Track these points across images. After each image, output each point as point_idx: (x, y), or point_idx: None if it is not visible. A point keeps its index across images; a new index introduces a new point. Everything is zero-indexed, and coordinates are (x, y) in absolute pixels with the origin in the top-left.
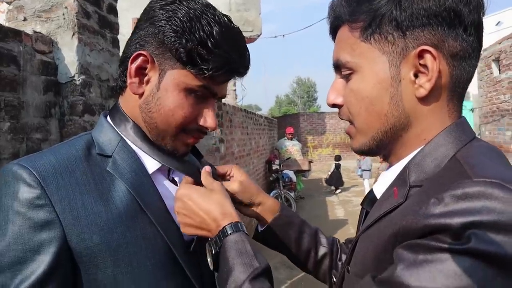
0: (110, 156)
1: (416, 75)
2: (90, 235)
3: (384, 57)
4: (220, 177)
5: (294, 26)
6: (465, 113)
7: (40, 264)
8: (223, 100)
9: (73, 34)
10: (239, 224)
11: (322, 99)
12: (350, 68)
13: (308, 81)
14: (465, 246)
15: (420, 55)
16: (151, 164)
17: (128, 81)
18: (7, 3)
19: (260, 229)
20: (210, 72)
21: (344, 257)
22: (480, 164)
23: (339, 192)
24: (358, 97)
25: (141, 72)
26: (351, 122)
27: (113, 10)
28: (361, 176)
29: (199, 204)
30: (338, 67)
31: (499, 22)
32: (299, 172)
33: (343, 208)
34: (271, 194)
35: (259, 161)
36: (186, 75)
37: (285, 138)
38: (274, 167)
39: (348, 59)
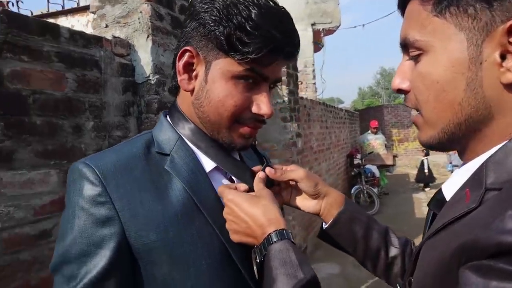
0: (168, 155)
1: (503, 56)
2: (147, 232)
3: (462, 34)
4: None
5: (374, 15)
6: None
7: (102, 258)
8: (302, 94)
9: (148, 36)
10: (284, 231)
11: None
12: (419, 47)
13: (393, 71)
14: None
15: (510, 31)
16: (209, 162)
17: (178, 78)
18: (92, 12)
19: (324, 226)
20: (253, 55)
21: None
22: None
23: (429, 190)
24: (427, 82)
25: (189, 68)
26: (418, 111)
27: (185, 11)
28: (451, 171)
29: (245, 210)
30: (405, 46)
31: None
32: (383, 167)
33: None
34: (353, 189)
35: (340, 156)
36: (231, 62)
37: (369, 131)
38: (356, 161)
39: (417, 37)
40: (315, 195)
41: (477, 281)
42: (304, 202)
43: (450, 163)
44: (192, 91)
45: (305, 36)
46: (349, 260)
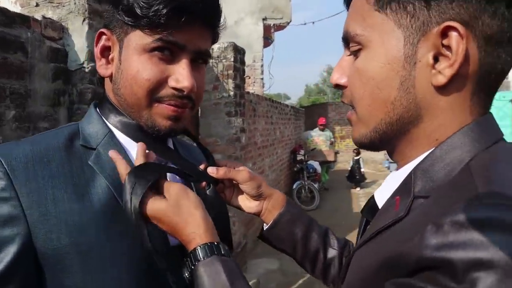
0: (94, 149)
1: (436, 58)
2: (58, 235)
3: (400, 32)
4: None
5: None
6: (503, 104)
7: None
8: (250, 89)
9: (84, 20)
10: (213, 245)
11: None
12: (359, 42)
13: None
14: None
15: (445, 33)
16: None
17: (97, 65)
18: None
19: (265, 227)
20: (155, 18)
21: None
22: (499, 179)
23: (359, 190)
24: (363, 78)
25: (106, 52)
26: (353, 107)
27: None
28: (388, 168)
29: (168, 219)
30: (346, 41)
31: None
32: (325, 163)
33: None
34: (295, 185)
35: (284, 152)
36: (139, 35)
37: (317, 128)
38: (299, 157)
39: (357, 31)
40: (257, 197)
41: None
42: (245, 203)
43: (387, 159)
44: (111, 76)
45: (256, 31)
46: (287, 256)
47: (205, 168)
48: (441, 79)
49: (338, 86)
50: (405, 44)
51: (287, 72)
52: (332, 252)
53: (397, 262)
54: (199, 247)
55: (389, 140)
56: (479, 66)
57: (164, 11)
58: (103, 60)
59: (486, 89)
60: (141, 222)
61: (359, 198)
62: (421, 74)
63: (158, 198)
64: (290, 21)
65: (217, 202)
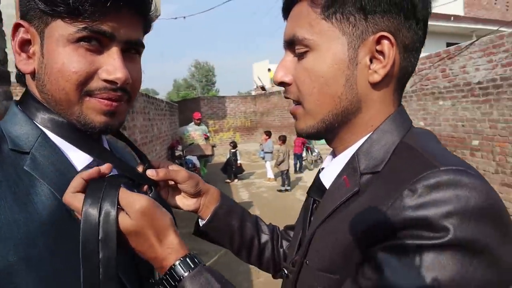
0: (28, 153)
1: (372, 60)
2: (5, 251)
3: (344, 38)
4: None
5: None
6: None
7: None
8: None
9: None
10: (194, 256)
11: (221, 83)
12: (307, 45)
13: (207, 65)
14: (445, 239)
15: (378, 40)
16: (80, 159)
17: (16, 60)
18: None
19: (201, 222)
20: (75, 4)
21: (285, 243)
22: (439, 153)
23: (237, 182)
24: (313, 76)
25: (26, 46)
26: (298, 102)
27: None
28: (263, 158)
29: (143, 232)
30: (291, 43)
31: None
32: (203, 157)
33: (247, 191)
34: None
35: (162, 148)
36: (60, 24)
37: (192, 123)
38: (177, 153)
39: (306, 36)
40: (195, 194)
41: (393, 260)
42: (183, 201)
43: (262, 150)
44: (33, 72)
45: None
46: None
47: (144, 171)
48: (377, 77)
49: (282, 84)
50: (348, 48)
51: (154, 67)
52: (264, 237)
53: (382, 227)
54: (179, 261)
55: (333, 129)
56: (399, 68)
57: None
58: (23, 55)
59: (401, 86)
60: (114, 239)
61: (238, 189)
62: (361, 73)
63: (125, 212)
64: (159, 14)
65: (163, 205)
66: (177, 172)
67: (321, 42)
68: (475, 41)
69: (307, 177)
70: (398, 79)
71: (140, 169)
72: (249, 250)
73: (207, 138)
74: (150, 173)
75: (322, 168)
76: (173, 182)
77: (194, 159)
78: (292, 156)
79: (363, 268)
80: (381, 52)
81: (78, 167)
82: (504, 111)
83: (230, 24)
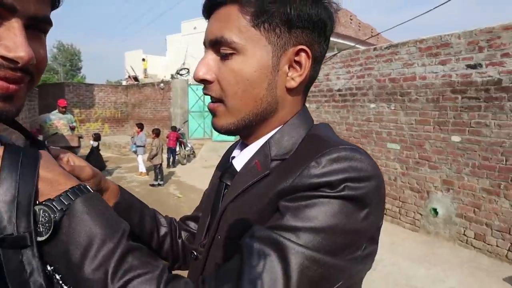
0: None
1: (288, 68)
2: None
3: (270, 47)
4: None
5: None
6: None
7: None
8: None
9: None
10: (82, 186)
11: (87, 69)
12: (234, 48)
13: (72, 47)
14: (340, 193)
15: (297, 52)
16: None
17: None
18: None
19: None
20: None
21: (183, 234)
22: (336, 138)
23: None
24: (238, 78)
25: None
26: (218, 100)
27: None
28: (135, 152)
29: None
30: (216, 44)
31: (195, 27)
32: (68, 149)
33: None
34: None
35: (19, 136)
36: None
37: (56, 111)
38: None
39: (234, 39)
40: (100, 188)
41: (293, 205)
42: None
43: (134, 143)
44: None
45: None
46: None
47: None
48: (293, 84)
49: (202, 81)
50: (273, 56)
51: None
52: (163, 230)
53: (293, 191)
54: (69, 190)
55: (251, 126)
56: (309, 76)
57: None
58: None
59: (307, 90)
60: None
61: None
62: (280, 79)
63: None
64: None
65: None
66: (82, 168)
67: (249, 47)
68: (337, 53)
69: (180, 172)
70: (306, 85)
71: None
72: (148, 244)
73: (73, 129)
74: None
75: (233, 157)
76: None
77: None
78: (165, 150)
79: (270, 218)
80: (298, 62)
81: None
82: (358, 116)
83: (100, 7)
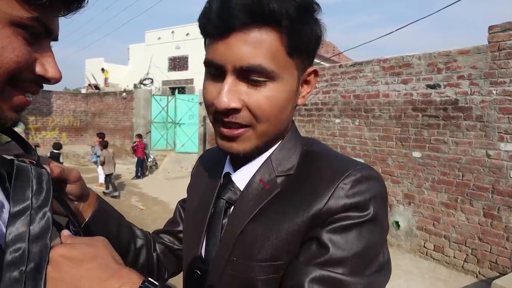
0: None
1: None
2: None
3: (296, 73)
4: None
5: None
6: (193, 105)
7: None
8: None
9: None
10: (149, 282)
11: None
12: (270, 76)
13: None
14: (369, 214)
15: (309, 73)
16: None
17: None
18: None
19: (73, 228)
20: (49, 4)
21: (158, 247)
22: (342, 156)
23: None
24: (273, 104)
25: None
26: (245, 126)
27: None
28: (95, 162)
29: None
30: (249, 71)
31: (159, 37)
32: None
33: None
34: None
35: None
36: (11, 3)
37: None
38: None
39: (273, 69)
40: (79, 197)
41: (337, 238)
42: (58, 204)
43: (95, 154)
44: None
45: None
46: None
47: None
48: (303, 101)
49: (231, 110)
50: (297, 81)
51: None
52: (140, 242)
53: (329, 212)
54: (146, 281)
55: (264, 146)
56: None
57: None
58: None
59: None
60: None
61: None
62: (296, 98)
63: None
64: None
65: (62, 204)
66: (70, 171)
67: (284, 75)
68: None
69: (142, 183)
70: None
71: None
72: (125, 255)
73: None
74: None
75: (228, 173)
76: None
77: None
78: (117, 160)
79: (310, 247)
80: (307, 81)
81: None
82: (323, 130)
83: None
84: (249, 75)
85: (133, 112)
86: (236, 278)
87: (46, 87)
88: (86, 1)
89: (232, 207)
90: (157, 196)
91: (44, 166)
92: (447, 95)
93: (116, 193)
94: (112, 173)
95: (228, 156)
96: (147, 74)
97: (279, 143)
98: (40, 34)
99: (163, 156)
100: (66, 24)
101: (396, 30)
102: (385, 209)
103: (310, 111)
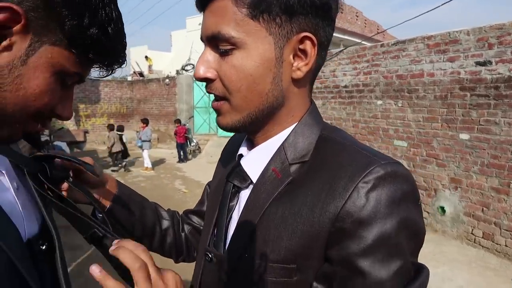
0: None
1: (293, 58)
2: None
3: (271, 38)
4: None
5: None
6: None
7: None
8: None
9: None
10: None
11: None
12: (234, 43)
13: None
14: (394, 224)
15: (302, 40)
16: None
17: None
18: None
19: (98, 214)
20: (100, 63)
21: (186, 227)
22: (367, 148)
23: (125, 165)
24: (241, 74)
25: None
26: (222, 98)
27: None
28: (140, 147)
29: None
30: (214, 40)
31: (200, 23)
32: (73, 144)
33: (123, 180)
34: None
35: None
36: (68, 57)
37: None
38: (43, 138)
39: (233, 34)
40: (97, 185)
41: (371, 269)
42: (79, 194)
43: (140, 138)
44: None
45: None
46: (71, 230)
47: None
48: (300, 74)
49: (205, 79)
50: (275, 48)
51: None
52: (165, 223)
53: (349, 214)
54: None
55: (257, 122)
56: (315, 64)
57: (108, 60)
58: None
59: (313, 81)
60: None
61: (115, 177)
62: (285, 70)
63: None
64: None
65: (86, 191)
66: (85, 158)
67: (249, 41)
68: (343, 49)
69: (186, 167)
70: (313, 74)
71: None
72: (151, 238)
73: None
74: (61, 162)
75: (240, 155)
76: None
77: (64, 145)
78: (162, 145)
79: (344, 275)
80: (303, 51)
81: None
82: (364, 113)
83: None
84: (217, 44)
85: (176, 97)
86: (246, 276)
87: (93, 74)
88: (125, 63)
89: (243, 194)
90: (200, 179)
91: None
92: (499, 72)
93: (115, 168)
94: (120, 151)
95: (246, 137)
96: (189, 60)
97: (293, 125)
98: (75, 82)
99: (206, 141)
100: None
101: (442, 5)
102: (417, 212)
103: (351, 92)
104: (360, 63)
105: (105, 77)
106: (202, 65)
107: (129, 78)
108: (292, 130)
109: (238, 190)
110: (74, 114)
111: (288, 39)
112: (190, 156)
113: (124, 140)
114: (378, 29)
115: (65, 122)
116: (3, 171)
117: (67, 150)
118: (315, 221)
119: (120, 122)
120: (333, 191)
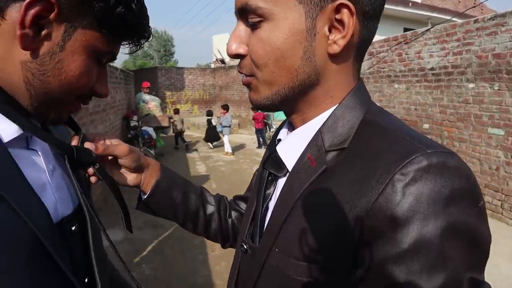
0: None
1: (329, 30)
2: None
3: (301, 7)
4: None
5: None
6: None
7: None
8: None
9: None
10: None
11: (179, 54)
12: (261, 15)
13: (165, 34)
14: (440, 228)
15: (338, 9)
16: (8, 130)
17: (19, 31)
18: None
19: (143, 196)
20: (128, 39)
21: (233, 213)
22: (415, 134)
23: (215, 147)
24: (268, 48)
25: (37, 22)
26: (251, 75)
27: None
28: (221, 132)
29: None
30: (244, 12)
31: None
32: (159, 129)
33: (204, 164)
34: None
35: (116, 117)
36: (100, 38)
37: (142, 92)
38: (133, 123)
39: (260, 4)
40: (136, 169)
41: (406, 277)
42: (122, 177)
43: (220, 124)
44: (32, 51)
45: None
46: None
47: (80, 143)
48: (336, 48)
49: (237, 56)
50: (306, 18)
51: None
52: (210, 208)
53: (381, 210)
54: None
55: (289, 102)
56: (359, 37)
57: (135, 38)
58: (31, 30)
59: (361, 56)
60: None
61: (195, 162)
62: (319, 44)
63: None
64: None
65: (109, 182)
66: (117, 146)
67: (276, 11)
68: (430, 28)
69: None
70: (357, 49)
71: (75, 142)
72: (194, 222)
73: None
74: (90, 146)
75: (279, 140)
76: (111, 158)
77: (150, 130)
78: (243, 130)
79: (375, 282)
80: (341, 21)
81: (5, 138)
82: (453, 97)
83: None
84: (247, 18)
85: None
86: (276, 272)
87: (181, 64)
88: (151, 37)
89: (280, 182)
90: None
91: (89, 143)
92: None
93: (177, 146)
94: (181, 131)
95: (287, 120)
96: None
97: (333, 108)
98: (108, 61)
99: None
100: (192, 4)
101: None
102: (475, 216)
103: (438, 75)
104: (449, 42)
105: (134, 52)
106: (233, 41)
107: (212, 66)
108: (332, 113)
109: (275, 178)
110: (160, 101)
111: (321, 8)
112: (269, 142)
113: (214, 124)
114: (474, 2)
115: (151, 108)
116: (39, 153)
117: (153, 134)
118: (345, 218)
119: (203, 108)
120: (367, 183)
